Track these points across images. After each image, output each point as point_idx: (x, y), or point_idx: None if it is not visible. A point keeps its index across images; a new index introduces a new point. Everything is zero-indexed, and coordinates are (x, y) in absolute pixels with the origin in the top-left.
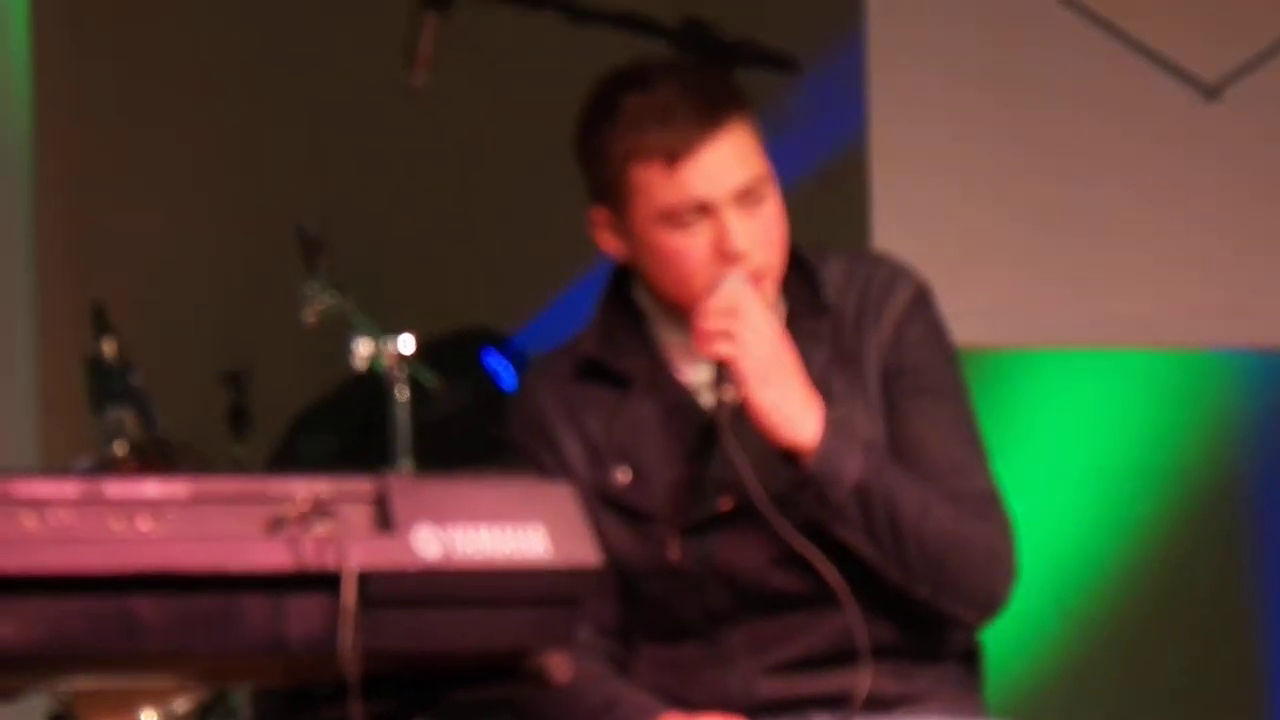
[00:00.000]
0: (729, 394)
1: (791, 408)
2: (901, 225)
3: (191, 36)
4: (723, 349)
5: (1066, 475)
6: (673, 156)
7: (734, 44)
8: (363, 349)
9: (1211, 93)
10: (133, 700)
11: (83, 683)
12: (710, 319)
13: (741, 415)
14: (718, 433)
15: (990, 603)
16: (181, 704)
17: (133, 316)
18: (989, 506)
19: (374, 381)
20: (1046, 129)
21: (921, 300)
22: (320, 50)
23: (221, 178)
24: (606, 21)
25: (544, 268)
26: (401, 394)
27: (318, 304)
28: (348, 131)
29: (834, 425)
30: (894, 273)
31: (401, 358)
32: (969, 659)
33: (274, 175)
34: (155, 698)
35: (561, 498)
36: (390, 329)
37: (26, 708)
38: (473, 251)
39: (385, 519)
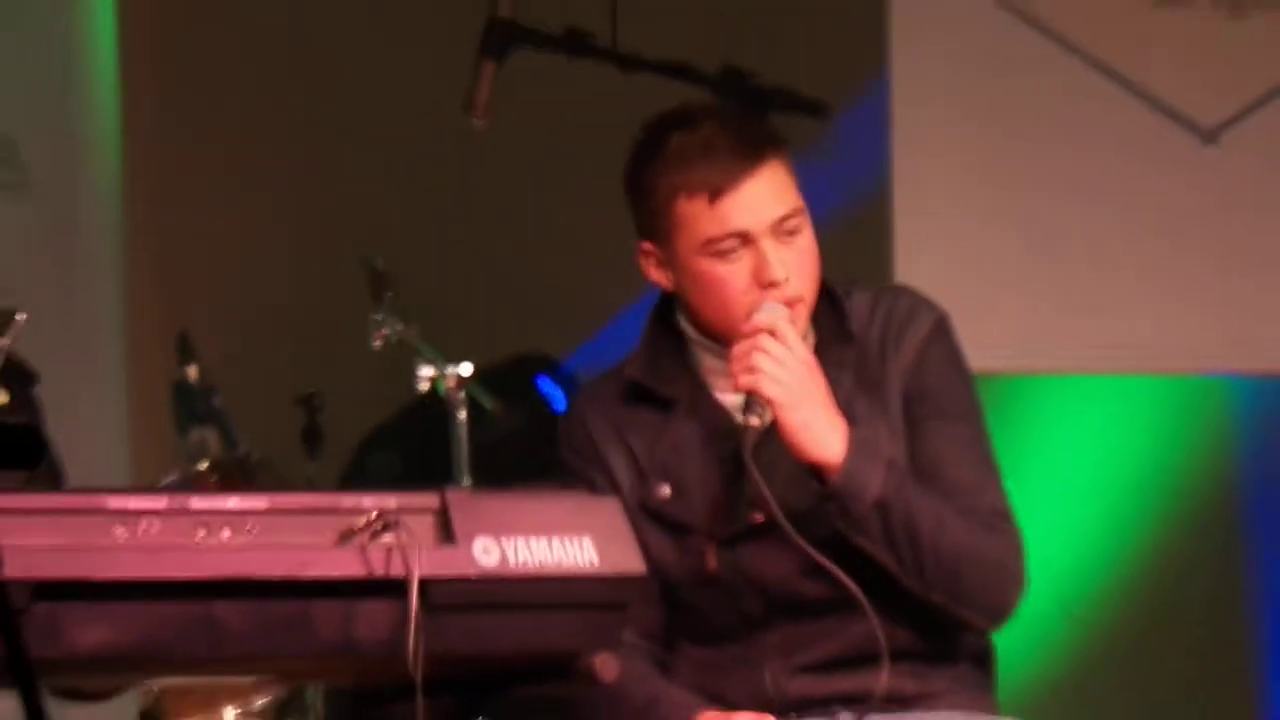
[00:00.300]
0: (754, 420)
1: (819, 428)
2: (922, 258)
3: (272, 86)
4: (746, 381)
5: (1074, 491)
6: (716, 191)
7: (770, 90)
8: (425, 374)
9: (1209, 136)
10: (215, 698)
11: (170, 682)
12: (744, 346)
13: (773, 435)
14: (742, 455)
15: (1000, 611)
16: (260, 701)
17: (214, 344)
18: (1001, 521)
19: (436, 404)
20: (1057, 168)
21: (941, 329)
22: (388, 98)
23: (296, 217)
24: (651, 69)
25: (593, 298)
26: (461, 415)
27: (384, 332)
28: (414, 172)
29: (857, 444)
30: (915, 303)
31: (461, 382)
32: (982, 660)
33: (345, 213)
34: (236, 695)
35: (609, 511)
36: (451, 355)
37: (118, 706)
38: (527, 283)
39: (447, 531)
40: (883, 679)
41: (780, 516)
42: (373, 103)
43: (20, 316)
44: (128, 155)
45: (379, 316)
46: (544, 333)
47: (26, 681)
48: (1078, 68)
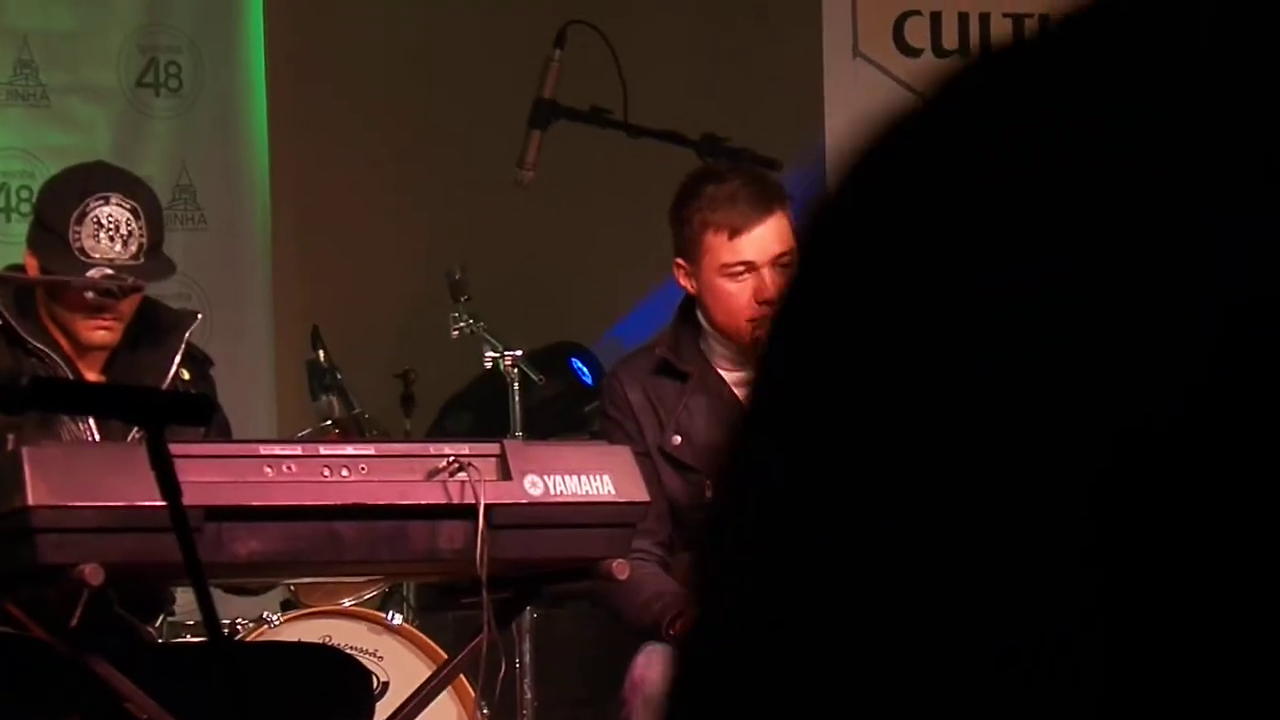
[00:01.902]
0: None
1: None
2: None
3: (384, 141)
4: None
5: None
6: (734, 231)
7: (736, 150)
8: (489, 355)
9: None
10: (337, 592)
11: (304, 580)
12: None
13: None
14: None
15: None
16: (369, 594)
17: (338, 333)
18: None
19: (497, 378)
20: None
21: None
22: (469, 149)
23: (399, 238)
24: (651, 135)
25: (611, 300)
26: (515, 386)
27: (459, 325)
28: (483, 205)
29: None
30: None
31: (515, 361)
32: None
33: (434, 236)
34: (352, 589)
35: (622, 456)
36: (507, 342)
37: (267, 598)
38: (563, 288)
39: (505, 470)
40: None
41: None
42: (457, 151)
43: (199, 316)
44: (275, 194)
45: (456, 314)
46: (575, 325)
47: (200, 581)
48: None
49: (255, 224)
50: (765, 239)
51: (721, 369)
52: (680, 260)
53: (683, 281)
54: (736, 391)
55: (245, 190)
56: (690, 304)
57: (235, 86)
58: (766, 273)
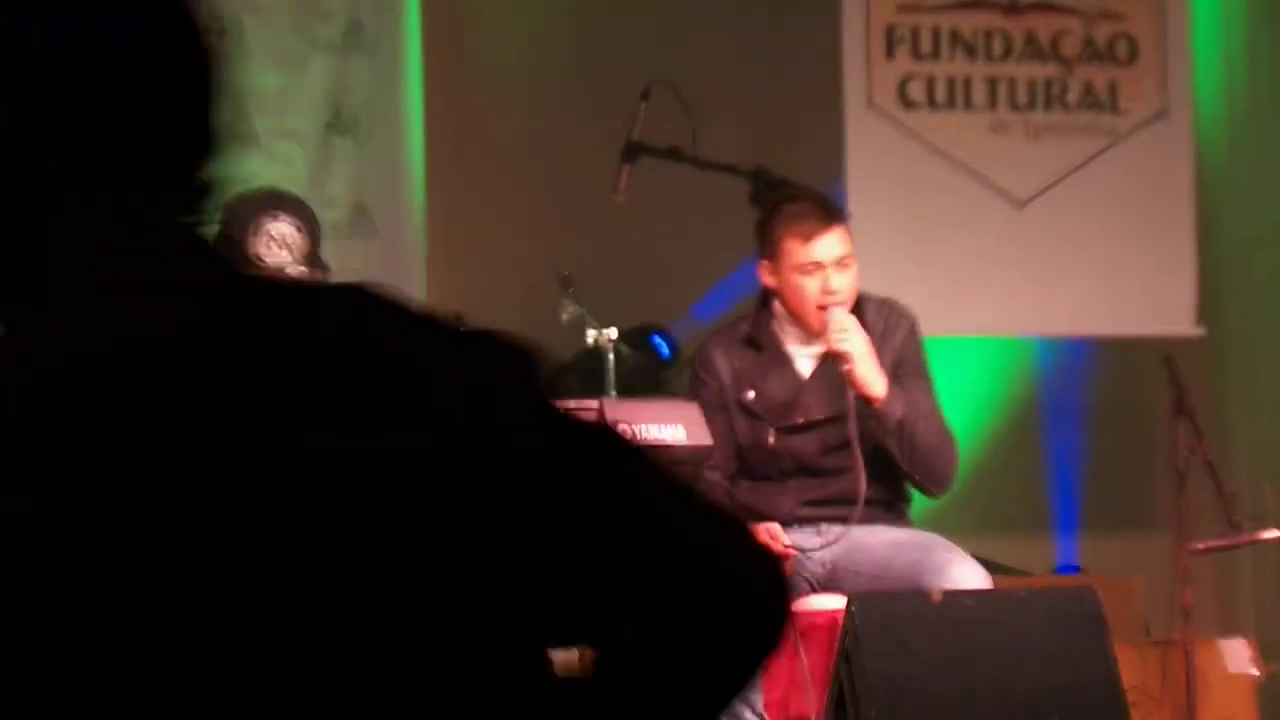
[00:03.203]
0: (844, 369)
1: (873, 376)
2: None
3: (506, 167)
4: (836, 344)
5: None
6: (807, 238)
7: (779, 180)
8: (591, 335)
9: (1020, 205)
10: None
11: None
12: (837, 323)
13: (824, 384)
14: (845, 390)
15: (946, 486)
16: None
17: (476, 318)
18: (951, 437)
19: (596, 352)
20: (941, 218)
21: (915, 327)
22: (578, 174)
23: (522, 244)
24: (715, 168)
25: (685, 290)
26: (610, 359)
27: (568, 310)
28: (587, 217)
29: (892, 389)
30: (902, 311)
31: (610, 340)
32: (910, 505)
33: (549, 242)
34: None
35: (692, 410)
36: (604, 323)
37: None
38: (647, 282)
39: (603, 420)
40: (857, 513)
41: (854, 418)
42: (568, 180)
43: None
44: (428, 212)
45: (565, 302)
46: (656, 309)
47: None
48: (946, 166)
49: (413, 235)
50: (829, 245)
51: (788, 345)
52: (764, 261)
53: (765, 278)
54: (795, 364)
55: (405, 209)
56: (767, 295)
57: (399, 131)
58: (830, 270)
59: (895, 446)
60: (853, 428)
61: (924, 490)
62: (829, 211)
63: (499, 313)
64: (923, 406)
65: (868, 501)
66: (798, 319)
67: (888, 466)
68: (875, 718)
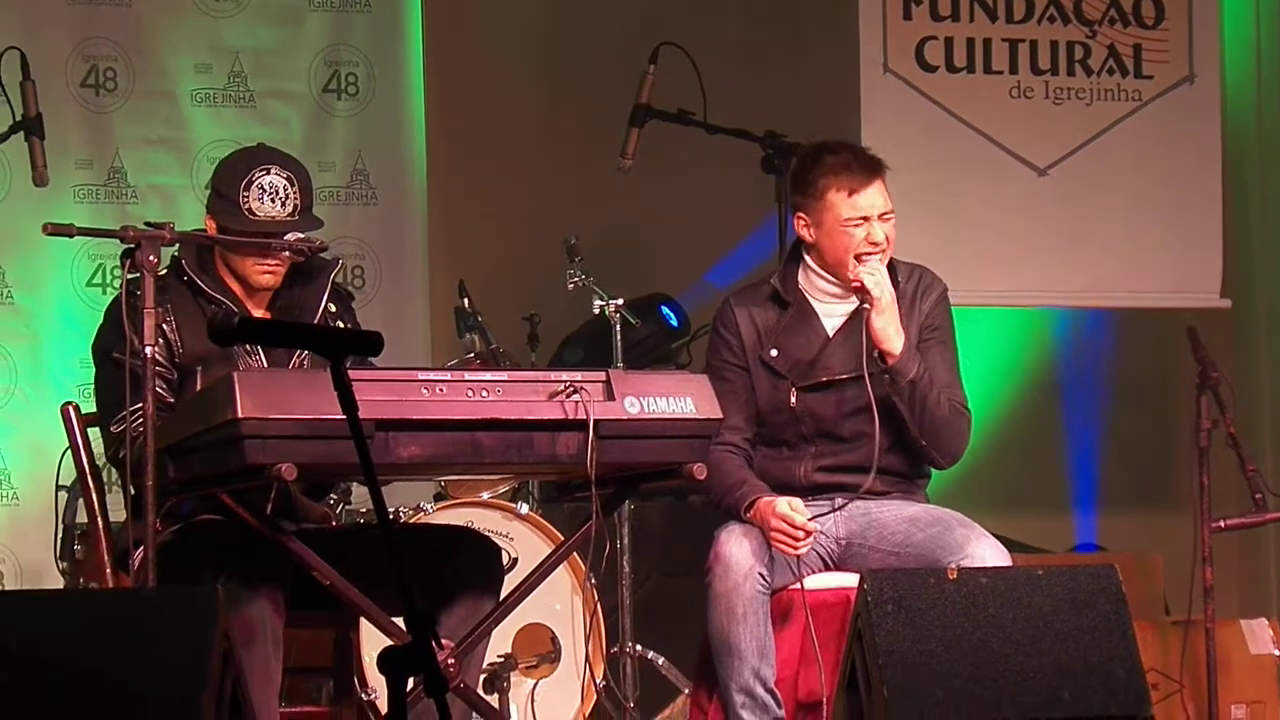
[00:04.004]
0: (866, 306)
1: (892, 330)
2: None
3: (516, 140)
4: (865, 279)
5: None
6: (852, 190)
7: (791, 144)
8: (598, 304)
9: (1042, 172)
10: (477, 486)
11: (452, 478)
12: (868, 267)
13: (851, 344)
14: (864, 326)
15: (955, 458)
16: (502, 489)
17: (479, 286)
18: (964, 409)
19: (603, 321)
20: (967, 188)
21: (944, 294)
22: (584, 145)
23: (527, 211)
24: (725, 132)
25: (695, 259)
26: (617, 328)
27: (574, 279)
28: (596, 186)
29: (908, 347)
30: (933, 278)
31: (618, 309)
32: (926, 479)
33: (554, 208)
34: (490, 484)
35: (701, 382)
36: (611, 292)
37: (422, 489)
38: (656, 251)
39: (610, 393)
40: (869, 482)
41: (868, 377)
42: (573, 144)
43: (340, 262)
44: (430, 177)
45: (571, 271)
46: (665, 279)
47: (371, 477)
48: (964, 131)
49: (414, 200)
50: (873, 197)
51: (816, 300)
52: (802, 214)
53: (801, 231)
54: (821, 320)
55: (407, 174)
56: (797, 249)
57: (400, 92)
58: (874, 222)
59: (905, 408)
60: (870, 391)
61: (931, 461)
62: (871, 163)
63: (502, 282)
64: (942, 376)
65: (884, 472)
66: (835, 270)
67: (905, 440)
68: (888, 697)
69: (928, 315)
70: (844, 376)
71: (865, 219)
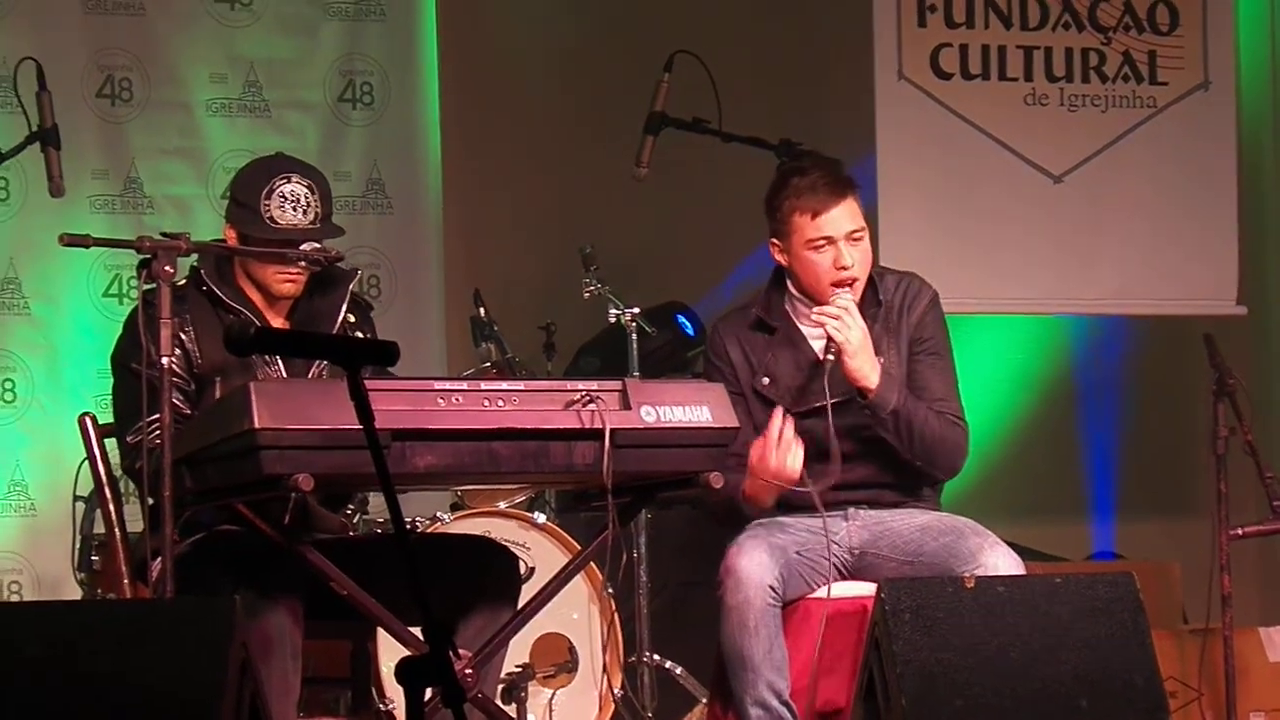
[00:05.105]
0: (830, 357)
1: (866, 367)
2: (895, 246)
3: (531, 151)
4: (831, 332)
5: (980, 382)
6: (816, 213)
7: (806, 152)
8: (613, 312)
9: (1058, 179)
10: (494, 496)
11: (468, 487)
12: (832, 312)
13: (837, 366)
14: (824, 377)
15: (953, 471)
16: (519, 498)
17: (495, 295)
18: (959, 420)
19: (619, 330)
20: (975, 195)
21: (935, 301)
22: (600, 153)
23: (542, 219)
24: (739, 140)
25: (710, 268)
26: (633, 337)
27: (590, 289)
28: (610, 197)
29: (886, 377)
30: (921, 284)
31: (633, 318)
32: (934, 488)
33: (570, 217)
34: (506, 494)
35: (717, 391)
36: (627, 302)
37: (438, 500)
38: (672, 259)
39: (626, 402)
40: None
41: (830, 415)
42: (588, 153)
43: (359, 272)
44: (445, 186)
45: (587, 280)
46: (680, 289)
47: (388, 487)
48: (979, 139)
49: (430, 209)
50: (839, 218)
51: (803, 325)
52: (774, 239)
53: (776, 256)
54: (811, 344)
55: (422, 183)
56: (780, 274)
57: (414, 102)
58: (842, 245)
59: (893, 437)
60: (832, 423)
61: (930, 477)
62: (839, 182)
63: (518, 291)
64: (935, 388)
65: (892, 486)
66: (812, 297)
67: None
68: (906, 707)
69: (916, 326)
70: (837, 400)
71: (830, 240)
